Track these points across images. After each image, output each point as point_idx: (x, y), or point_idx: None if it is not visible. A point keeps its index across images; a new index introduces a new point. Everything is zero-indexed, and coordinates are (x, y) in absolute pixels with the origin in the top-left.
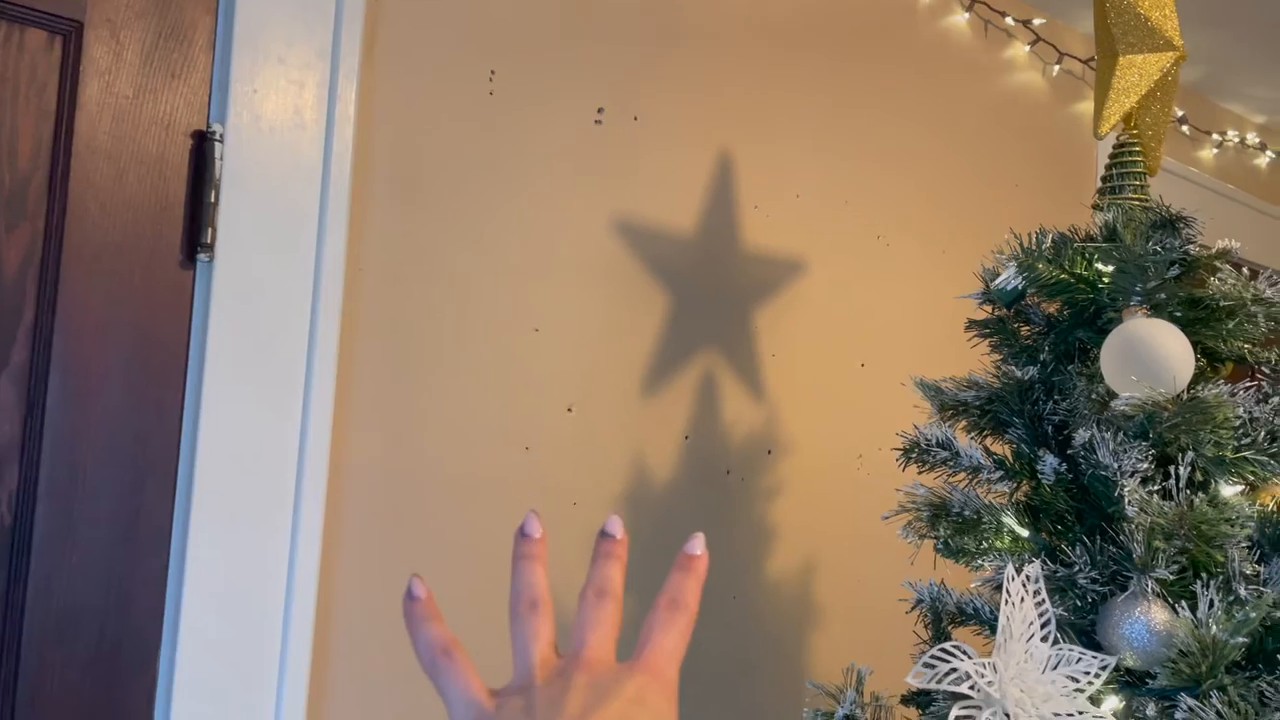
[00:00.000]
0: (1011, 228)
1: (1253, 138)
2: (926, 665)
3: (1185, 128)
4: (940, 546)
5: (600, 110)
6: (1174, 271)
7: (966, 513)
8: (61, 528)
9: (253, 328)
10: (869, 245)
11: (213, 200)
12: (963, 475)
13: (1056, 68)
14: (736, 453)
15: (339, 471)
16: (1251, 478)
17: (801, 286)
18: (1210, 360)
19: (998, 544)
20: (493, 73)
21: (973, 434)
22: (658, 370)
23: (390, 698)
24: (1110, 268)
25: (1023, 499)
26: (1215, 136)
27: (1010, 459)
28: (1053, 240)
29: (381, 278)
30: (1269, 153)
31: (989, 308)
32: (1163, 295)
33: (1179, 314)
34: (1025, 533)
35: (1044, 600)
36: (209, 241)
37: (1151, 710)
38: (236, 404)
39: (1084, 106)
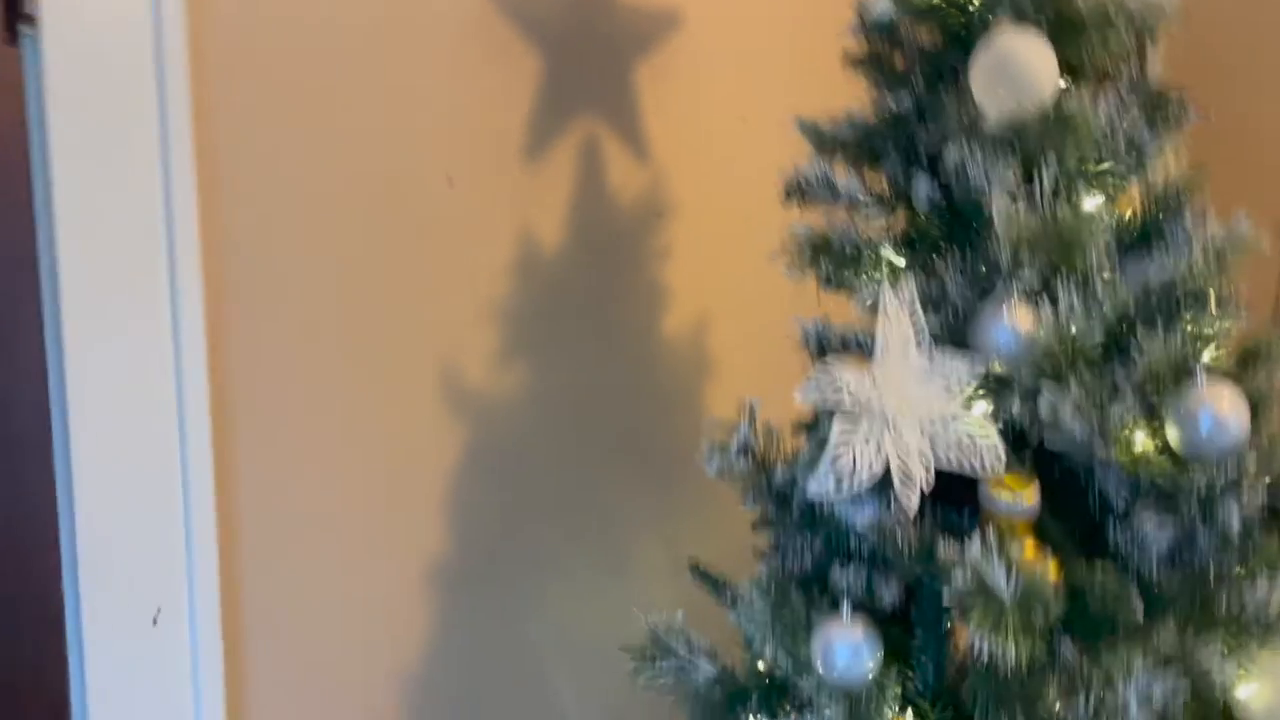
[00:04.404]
0: None
1: None
2: (812, 382)
3: None
4: (822, 280)
5: None
6: None
7: (847, 247)
8: None
9: (94, 104)
10: None
11: None
12: (842, 210)
13: None
14: (625, 216)
15: (213, 245)
16: (1114, 185)
17: (679, 40)
18: (1075, 76)
19: (876, 275)
20: None
21: (855, 169)
22: (538, 137)
23: (298, 461)
24: None
25: (900, 230)
26: None
27: (887, 191)
28: None
29: (234, 34)
30: None
31: (865, 41)
32: (1026, 9)
33: (1045, 29)
34: (902, 262)
35: (920, 316)
36: (31, 12)
37: (1016, 407)
38: (91, 187)
39: None
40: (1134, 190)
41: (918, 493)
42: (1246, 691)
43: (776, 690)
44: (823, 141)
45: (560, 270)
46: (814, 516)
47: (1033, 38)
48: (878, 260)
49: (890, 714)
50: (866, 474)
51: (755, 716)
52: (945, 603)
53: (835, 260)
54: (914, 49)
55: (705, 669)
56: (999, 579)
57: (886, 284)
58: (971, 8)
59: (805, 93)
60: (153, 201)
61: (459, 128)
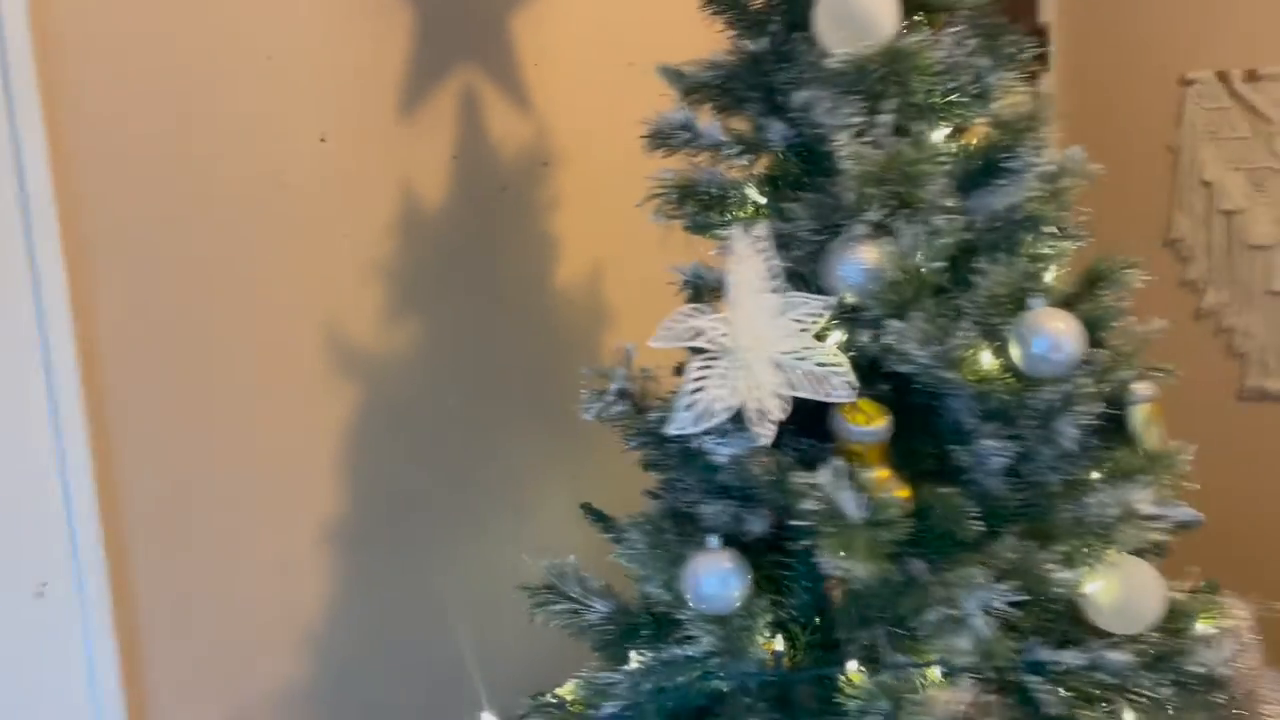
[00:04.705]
0: None
1: None
2: (666, 328)
3: None
4: (688, 224)
5: None
6: None
7: (712, 190)
8: None
9: None
10: None
11: None
12: (705, 155)
13: None
14: (510, 168)
15: (77, 210)
16: (959, 120)
17: None
18: (927, 11)
19: (740, 215)
20: None
21: (719, 113)
22: (414, 91)
23: (180, 427)
24: None
25: (764, 172)
26: None
27: (750, 133)
28: None
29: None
30: None
31: None
32: None
33: None
34: (764, 201)
35: (771, 256)
36: None
37: (865, 338)
38: None
39: None
40: (981, 122)
41: (772, 426)
42: (1094, 588)
43: (663, 623)
44: (686, 86)
45: (445, 225)
46: (687, 454)
47: None
48: (743, 200)
49: (762, 640)
50: (721, 410)
51: (641, 649)
52: (796, 528)
53: (701, 204)
54: None
55: (599, 607)
56: (848, 503)
57: (736, 227)
58: None
59: (695, 35)
60: (4, 169)
61: (329, 86)
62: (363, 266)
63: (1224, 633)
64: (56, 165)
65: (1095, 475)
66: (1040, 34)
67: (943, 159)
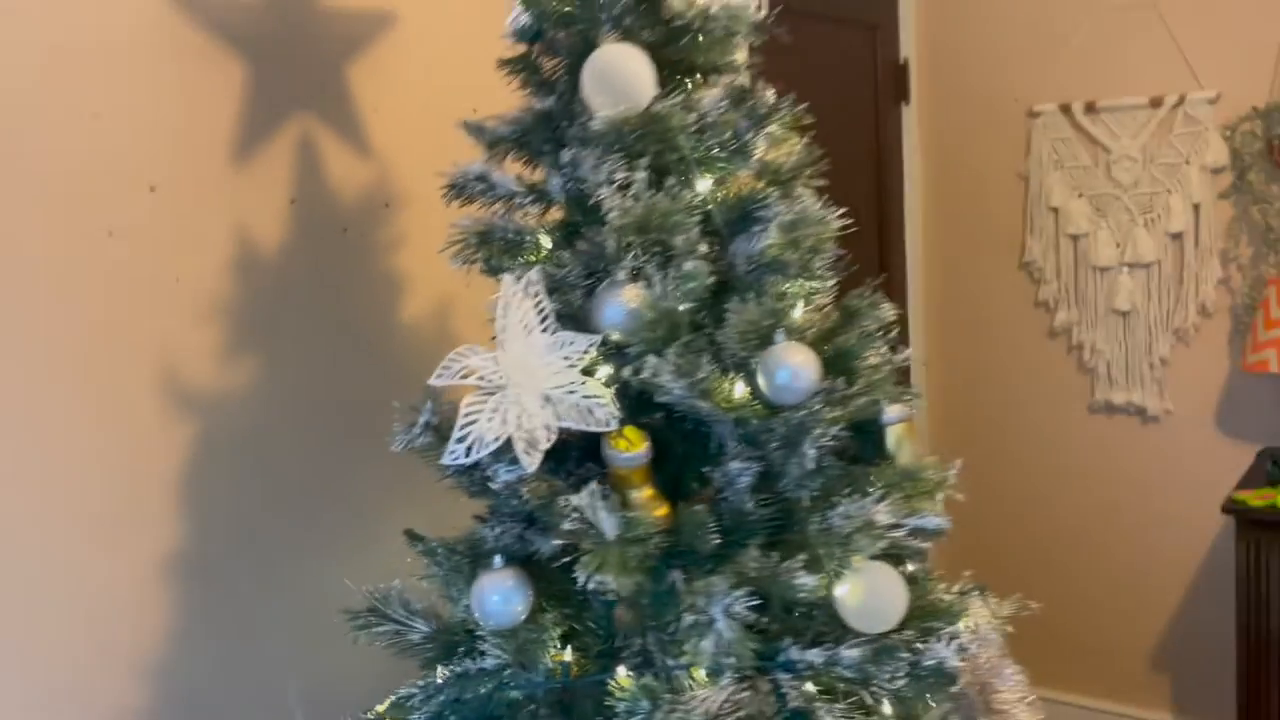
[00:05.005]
0: None
1: None
2: (444, 367)
3: None
4: (484, 268)
5: None
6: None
7: (508, 236)
8: None
9: None
10: None
11: None
12: (500, 203)
13: None
14: (350, 210)
15: None
16: (720, 172)
17: (395, 37)
18: (690, 73)
19: (533, 259)
20: None
21: (525, 165)
22: (248, 140)
23: (14, 467)
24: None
25: (554, 220)
26: None
27: (542, 184)
28: None
29: None
30: None
31: (516, 45)
32: (629, 21)
33: (650, 37)
34: (551, 246)
35: (542, 299)
36: None
37: (628, 371)
38: None
39: None
40: (743, 174)
41: (539, 455)
42: (841, 592)
43: (473, 640)
44: (488, 140)
45: (284, 265)
46: (482, 482)
47: (630, 49)
48: (536, 247)
49: (553, 651)
50: (491, 442)
51: (445, 665)
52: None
53: (497, 249)
54: (565, 53)
55: (420, 627)
56: (603, 522)
57: (506, 274)
58: (600, 17)
59: None
60: None
61: (158, 136)
62: (197, 308)
63: (962, 630)
64: None
65: (846, 490)
66: (901, 70)
67: (695, 210)
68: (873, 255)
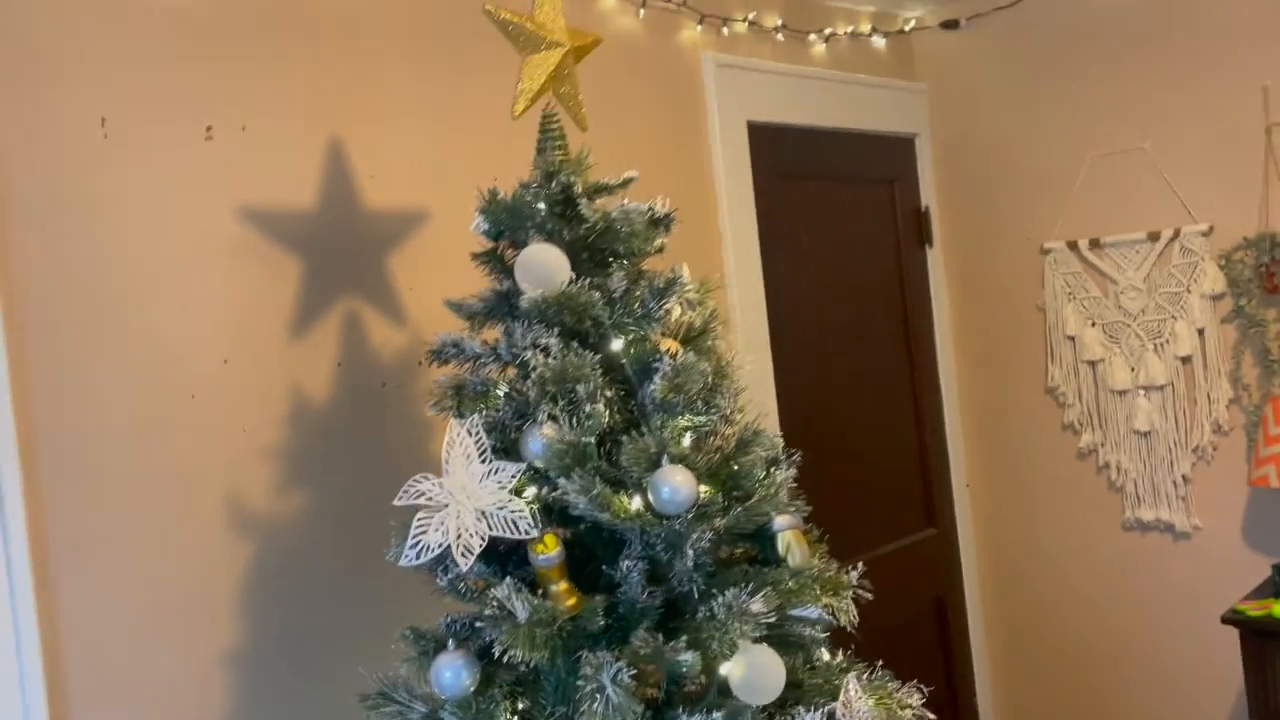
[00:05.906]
0: (478, 184)
1: (865, 26)
2: (404, 490)
3: (780, 35)
4: (456, 413)
5: (209, 128)
6: (557, 209)
7: (476, 388)
8: None
9: None
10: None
11: None
12: (469, 364)
13: (642, 11)
14: (388, 368)
15: (34, 443)
16: (632, 334)
17: (426, 232)
18: (617, 258)
19: (493, 405)
20: (104, 119)
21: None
22: (303, 319)
23: (115, 581)
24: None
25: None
26: (812, 36)
27: (499, 346)
28: (514, 192)
29: (36, 292)
30: (879, 36)
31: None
32: (550, 226)
33: (569, 236)
34: (504, 391)
35: (480, 437)
36: None
37: (546, 490)
38: None
39: (685, 34)
40: (653, 335)
41: (473, 558)
42: (727, 668)
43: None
44: (464, 313)
45: (332, 416)
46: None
47: (548, 247)
48: (497, 396)
49: (504, 717)
50: (436, 548)
51: None
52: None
53: (468, 398)
54: (516, 248)
55: (419, 708)
56: (516, 608)
57: (453, 418)
58: (527, 225)
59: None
60: None
61: (230, 319)
62: (259, 452)
63: (837, 705)
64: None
65: (733, 587)
66: (923, 216)
67: (601, 366)
68: (905, 390)
